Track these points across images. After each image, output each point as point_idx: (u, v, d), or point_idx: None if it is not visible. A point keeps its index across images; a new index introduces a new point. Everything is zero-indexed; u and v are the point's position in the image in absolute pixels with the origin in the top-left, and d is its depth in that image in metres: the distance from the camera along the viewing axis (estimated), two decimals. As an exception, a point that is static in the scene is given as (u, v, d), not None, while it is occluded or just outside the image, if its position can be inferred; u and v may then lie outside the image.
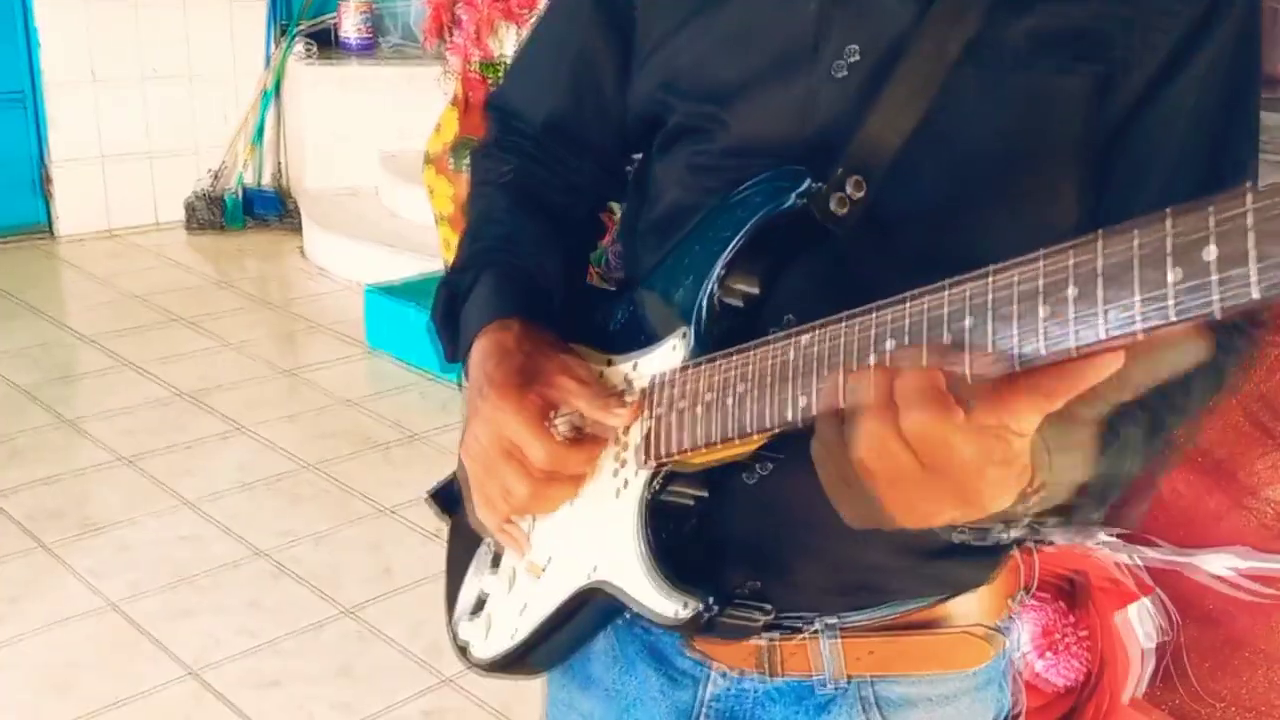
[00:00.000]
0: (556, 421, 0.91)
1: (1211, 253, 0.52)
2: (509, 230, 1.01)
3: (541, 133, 1.04)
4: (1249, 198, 0.51)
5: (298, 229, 5.06)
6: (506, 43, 3.68)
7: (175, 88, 5.03)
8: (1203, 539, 1.02)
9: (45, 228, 4.87)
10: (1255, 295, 0.50)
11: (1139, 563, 1.04)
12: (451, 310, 0.99)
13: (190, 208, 5.10)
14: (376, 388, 3.74)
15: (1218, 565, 0.99)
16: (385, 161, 5.11)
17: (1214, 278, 0.51)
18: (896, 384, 0.63)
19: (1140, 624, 1.02)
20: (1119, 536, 1.03)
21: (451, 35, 3.68)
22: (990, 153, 0.82)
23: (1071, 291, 0.57)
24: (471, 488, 0.90)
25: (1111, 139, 0.83)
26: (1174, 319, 0.53)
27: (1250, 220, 0.50)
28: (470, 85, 3.80)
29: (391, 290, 4.04)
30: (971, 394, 0.63)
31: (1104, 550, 1.02)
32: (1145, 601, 1.03)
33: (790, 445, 0.78)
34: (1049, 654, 1.08)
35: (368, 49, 5.35)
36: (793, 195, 0.82)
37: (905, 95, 0.80)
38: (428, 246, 4.42)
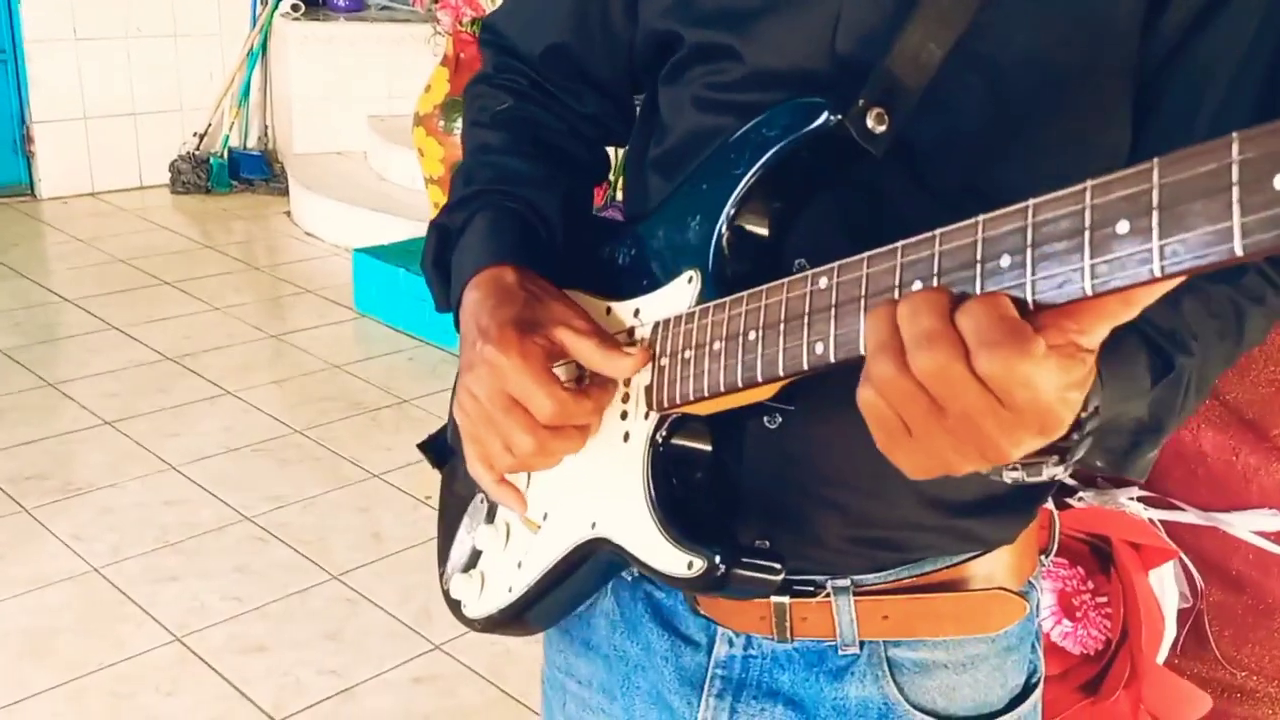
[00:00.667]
0: (557, 370, 0.86)
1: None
2: (503, 170, 0.95)
3: (540, 65, 0.98)
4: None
5: (284, 192, 4.99)
6: (498, 0, 3.61)
7: (159, 46, 4.94)
8: (1233, 501, 0.98)
9: (27, 188, 4.79)
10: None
11: (1159, 526, 1.00)
12: (443, 255, 0.94)
13: (175, 169, 5.02)
14: (365, 352, 3.69)
15: (1249, 526, 0.95)
16: (373, 124, 5.04)
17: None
18: (960, 317, 0.56)
19: (1173, 585, 0.97)
20: (1142, 499, 0.99)
21: (443, -8, 3.61)
22: (1038, 72, 0.76)
23: (1121, 227, 0.52)
24: (465, 443, 0.85)
25: (1166, 61, 0.78)
26: (1240, 254, 0.48)
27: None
28: (462, 44, 3.73)
29: (380, 253, 3.98)
30: (1038, 318, 0.57)
31: (1131, 509, 0.98)
32: (1176, 562, 0.99)
33: (806, 393, 0.73)
34: (1067, 621, 1.04)
35: (357, 8, 5.26)
36: (824, 114, 0.75)
37: (950, 4, 0.75)
38: (417, 210, 4.36)
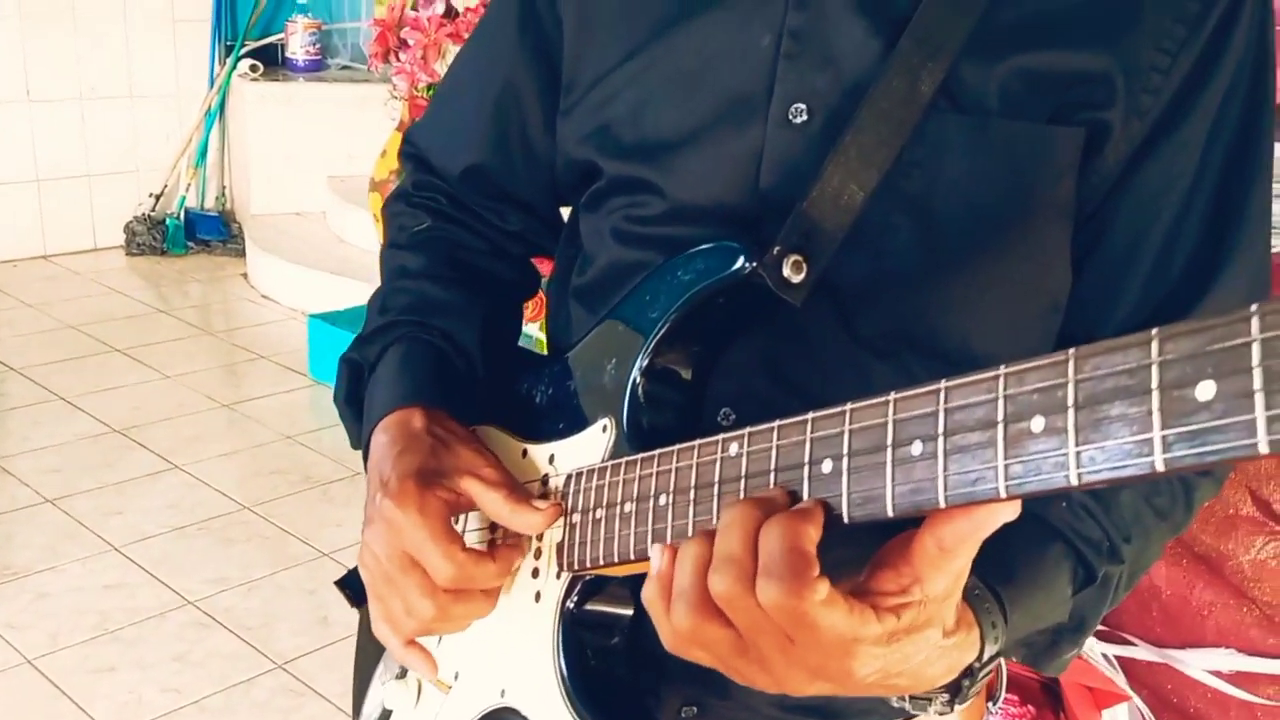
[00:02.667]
0: (467, 527, 0.81)
1: (1208, 390, 0.43)
2: (420, 297, 0.91)
3: (459, 185, 0.95)
4: (1254, 323, 0.42)
5: (242, 253, 4.92)
6: (454, 66, 3.58)
7: (115, 107, 4.88)
8: (1188, 637, 0.94)
9: (-23, 252, 4.71)
10: (1263, 450, 0.41)
11: (1114, 662, 0.96)
12: (355, 391, 0.89)
13: (130, 231, 4.95)
14: (319, 421, 3.61)
15: (1203, 665, 0.91)
16: (333, 184, 4.99)
17: (1211, 424, 0.43)
18: (761, 537, 0.55)
19: (1127, 725, 0.94)
20: (1097, 634, 0.95)
21: (398, 58, 3.58)
22: (970, 213, 0.73)
23: (1036, 424, 0.48)
24: (370, 600, 0.80)
25: (1106, 198, 0.75)
26: (1161, 469, 0.44)
27: (1255, 354, 0.41)
28: (417, 109, 3.69)
29: (336, 319, 3.92)
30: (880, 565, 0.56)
31: (1083, 648, 0.94)
32: (1135, 701, 0.95)
33: None
34: (1016, 764, 0.99)
35: (315, 69, 5.23)
36: (739, 260, 0.72)
37: (873, 143, 0.71)
38: (375, 273, 4.28)
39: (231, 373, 4.02)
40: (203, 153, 5.10)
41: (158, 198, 5.02)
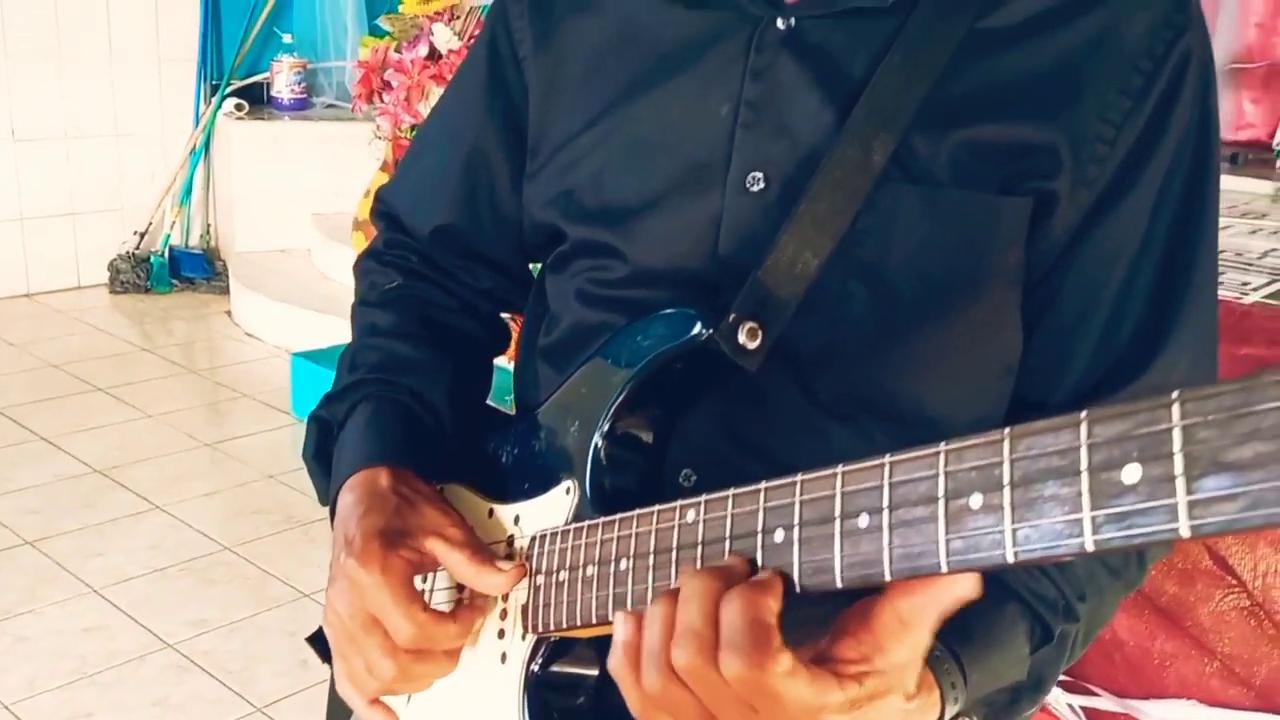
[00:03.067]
0: (434, 586, 0.82)
1: (1134, 473, 0.44)
2: (390, 355, 0.92)
3: (429, 244, 0.96)
4: (1175, 409, 0.43)
5: (226, 290, 4.93)
6: (438, 107, 3.61)
7: (100, 146, 4.90)
8: (1150, 688, 0.95)
9: (-40, 291, 4.71)
10: (1185, 534, 0.42)
11: (1079, 712, 0.97)
12: (324, 447, 0.90)
13: (114, 269, 4.95)
14: (301, 460, 3.59)
15: (1165, 716, 0.92)
16: (317, 221, 5.00)
17: (1137, 506, 0.44)
18: (722, 608, 0.56)
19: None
20: (1059, 684, 0.96)
21: (382, 99, 3.61)
22: (922, 280, 0.74)
23: (974, 500, 0.50)
24: (334, 659, 0.81)
25: (1055, 264, 0.76)
26: (1091, 549, 0.46)
27: (1177, 440, 0.43)
28: (400, 150, 3.72)
29: (318, 357, 3.92)
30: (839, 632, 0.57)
31: (1047, 699, 0.95)
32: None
33: None
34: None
35: (301, 108, 5.25)
36: (696, 326, 0.73)
37: (826, 211, 0.72)
38: (359, 310, 4.30)
39: (214, 411, 4.01)
40: (187, 191, 5.12)
41: (142, 236, 5.02)
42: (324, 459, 0.90)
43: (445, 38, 3.42)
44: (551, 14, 0.85)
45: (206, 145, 5.13)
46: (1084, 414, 0.46)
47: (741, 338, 0.71)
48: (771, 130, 0.75)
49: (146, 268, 4.96)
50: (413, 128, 3.61)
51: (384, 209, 1.00)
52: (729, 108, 0.76)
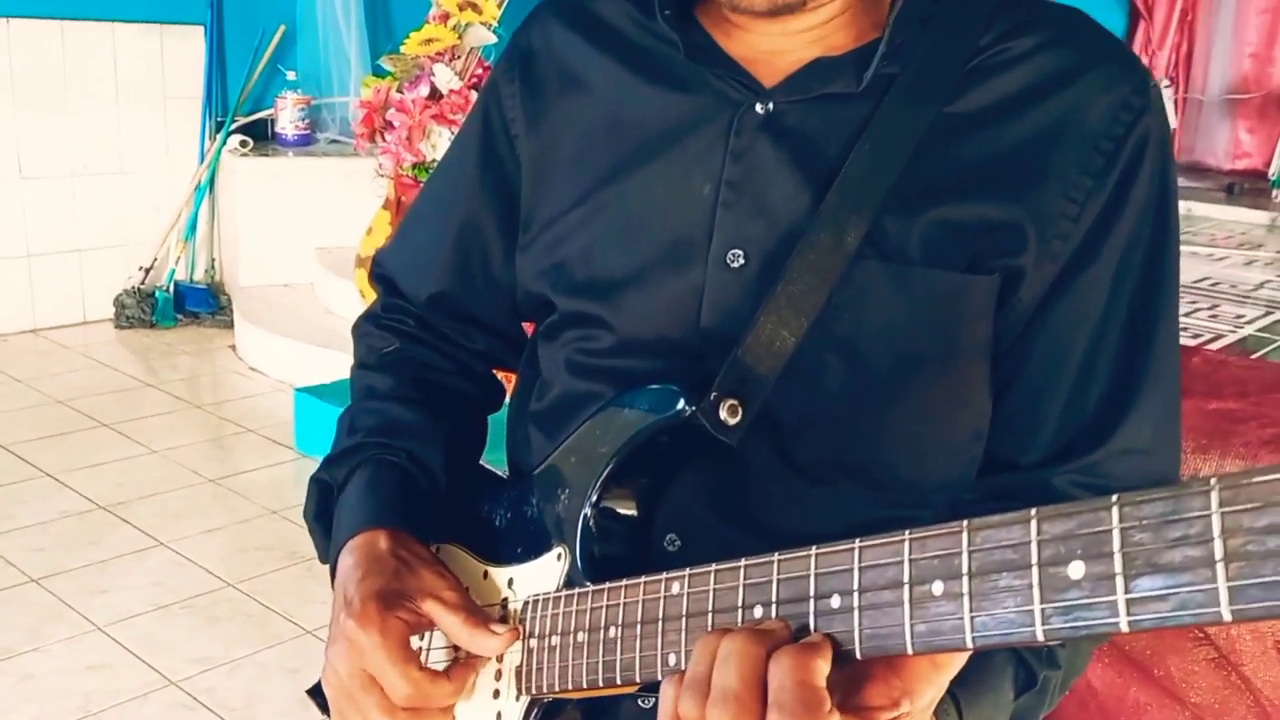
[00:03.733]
0: (431, 645, 0.85)
1: (1079, 570, 0.48)
2: (387, 418, 0.96)
3: (426, 309, 1.00)
4: (1115, 512, 0.47)
5: (230, 325, 4.97)
6: (439, 146, 3.66)
7: (105, 183, 4.95)
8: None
9: (-34, 327, 4.75)
10: (1124, 629, 0.46)
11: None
12: (325, 508, 0.94)
13: (120, 304, 4.99)
14: (303, 495, 3.61)
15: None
16: (321, 256, 5.05)
17: (1081, 600, 0.47)
18: (771, 667, 0.57)
19: None
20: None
21: (384, 138, 3.66)
22: (895, 352, 0.78)
23: (936, 587, 0.53)
24: (333, 715, 0.84)
25: (1022, 334, 0.80)
26: (1041, 639, 0.49)
27: (1116, 540, 0.46)
28: (403, 188, 3.77)
29: (321, 392, 3.95)
30: (864, 669, 0.59)
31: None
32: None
33: None
34: None
35: (305, 143, 5.31)
36: (680, 403, 0.77)
37: (802, 291, 0.76)
38: (362, 345, 4.34)
39: (218, 446, 4.05)
40: (192, 226, 5.17)
41: (147, 271, 5.07)
42: (325, 520, 0.93)
43: (446, 78, 3.47)
44: (543, 95, 0.89)
45: (211, 181, 5.18)
46: (1034, 511, 0.49)
47: (723, 414, 0.75)
48: (751, 209, 0.79)
49: (151, 303, 5.00)
50: (415, 166, 3.66)
51: (381, 272, 1.04)
52: (711, 187, 0.80)
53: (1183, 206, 5.06)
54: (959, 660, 0.60)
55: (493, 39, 3.63)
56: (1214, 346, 3.25)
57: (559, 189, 0.87)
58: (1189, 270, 4.23)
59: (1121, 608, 0.45)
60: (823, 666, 0.56)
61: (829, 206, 0.75)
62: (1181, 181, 6.33)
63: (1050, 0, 0.81)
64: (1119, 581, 0.45)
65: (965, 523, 0.52)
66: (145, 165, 5.06)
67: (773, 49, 0.81)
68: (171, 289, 5.09)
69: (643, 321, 0.82)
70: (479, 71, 3.56)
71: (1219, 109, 6.51)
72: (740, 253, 0.79)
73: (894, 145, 0.75)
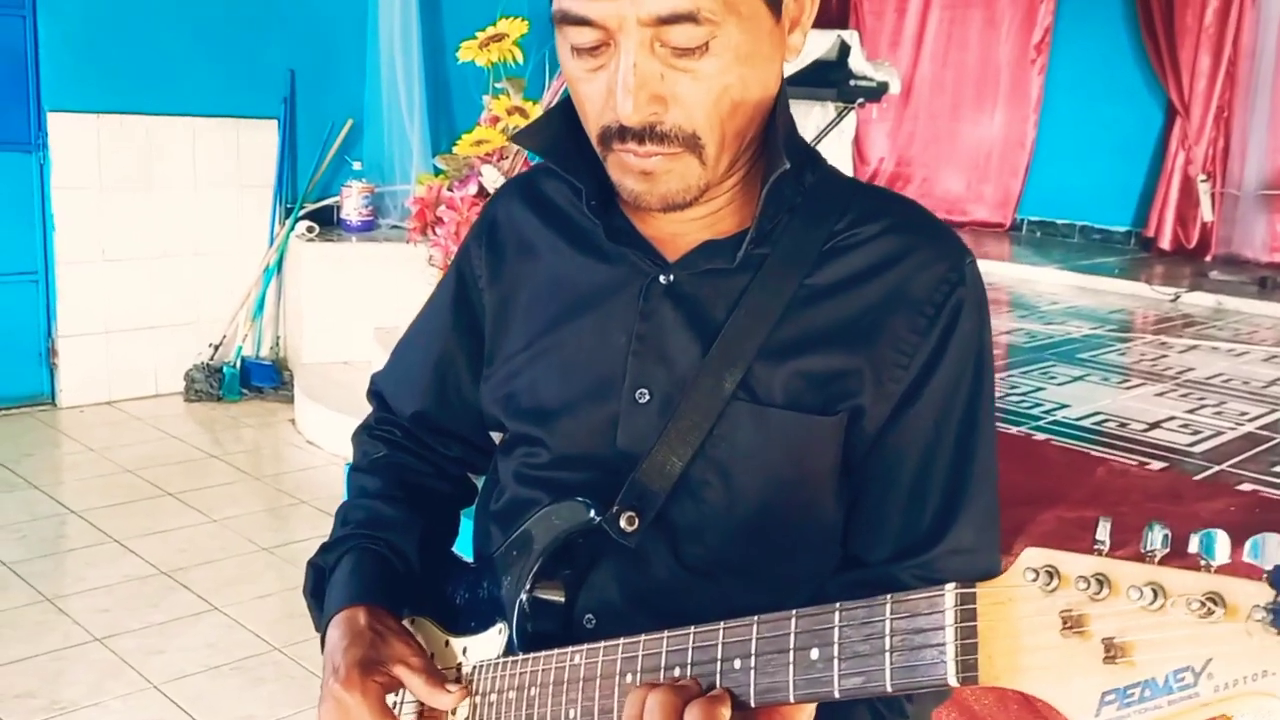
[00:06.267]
0: (404, 700, 1.04)
1: (814, 654, 0.66)
2: (373, 514, 1.16)
3: (410, 423, 1.21)
4: (837, 614, 0.65)
5: (292, 400, 5.24)
6: (486, 238, 3.90)
7: (181, 265, 5.30)
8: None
9: (48, 398, 5.08)
10: (836, 695, 0.64)
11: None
12: (319, 587, 1.14)
13: (190, 378, 5.30)
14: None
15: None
16: (379, 335, 5.33)
17: (817, 675, 0.66)
18: (687, 713, 0.76)
19: None
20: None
21: (435, 232, 3.92)
22: (761, 474, 0.98)
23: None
24: (328, 764, 1.03)
25: (866, 455, 0.99)
26: (795, 697, 0.67)
27: (835, 633, 0.65)
28: (451, 277, 4.02)
29: (372, 468, 4.18)
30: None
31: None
32: None
33: None
34: None
35: (368, 229, 5.63)
36: (590, 513, 0.96)
37: (689, 424, 0.96)
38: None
39: (274, 516, 4.29)
40: (260, 305, 5.49)
41: (216, 347, 5.39)
42: (318, 597, 1.13)
43: (493, 178, 3.73)
44: (503, 257, 1.11)
45: (279, 263, 5.51)
46: (794, 611, 0.68)
47: (622, 523, 0.95)
48: (654, 358, 0.99)
49: (219, 377, 5.31)
50: (463, 258, 3.91)
51: (375, 390, 1.26)
52: (625, 339, 1.00)
53: (1213, 300, 5.14)
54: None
55: (538, 140, 3.88)
56: (1210, 444, 3.34)
57: (513, 334, 1.08)
58: (1207, 366, 4.32)
59: (835, 680, 0.64)
60: (725, 713, 0.75)
61: (712, 358, 0.95)
62: (1214, 276, 6.41)
63: (891, 192, 1.02)
64: (835, 664, 0.64)
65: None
66: (219, 248, 5.40)
67: (674, 231, 1.01)
68: (239, 364, 5.39)
69: (572, 442, 1.02)
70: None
71: (1255, 203, 6.60)
72: (646, 391, 0.99)
73: (764, 310, 0.95)
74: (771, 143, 0.96)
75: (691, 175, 0.93)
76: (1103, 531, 0.68)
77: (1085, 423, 3.67)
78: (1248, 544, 0.63)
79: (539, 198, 1.11)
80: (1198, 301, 5.82)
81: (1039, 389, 4.15)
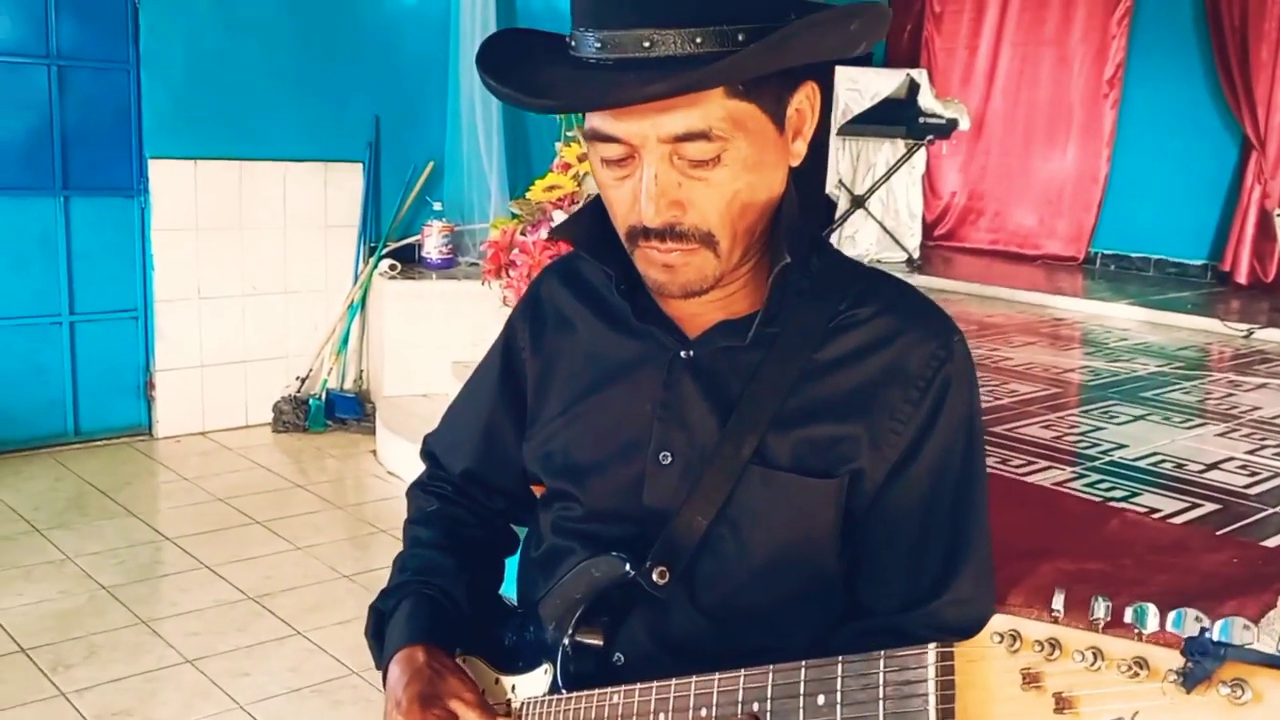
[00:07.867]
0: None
1: (821, 699, 0.77)
2: (427, 562, 1.30)
3: (460, 480, 1.35)
4: (839, 666, 0.76)
5: (374, 431, 5.45)
6: (558, 280, 4.06)
7: (271, 302, 5.55)
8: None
9: (146, 429, 5.35)
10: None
11: None
12: (380, 629, 1.28)
13: (278, 410, 5.54)
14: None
15: None
16: (456, 369, 5.52)
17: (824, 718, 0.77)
18: None
19: None
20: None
21: (508, 274, 4.09)
22: (769, 530, 1.10)
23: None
24: (392, 789, 1.16)
25: (864, 515, 1.10)
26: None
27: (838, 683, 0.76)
28: (524, 317, 4.18)
29: (447, 500, 4.34)
30: None
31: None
32: None
33: None
34: None
35: (448, 266, 5.83)
36: (625, 567, 1.09)
37: (710, 488, 1.08)
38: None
39: (355, 545, 4.47)
40: (345, 340, 5.72)
41: (303, 380, 5.62)
42: (379, 638, 1.27)
43: (565, 223, 3.89)
44: (544, 331, 1.25)
45: (363, 300, 5.74)
46: (840, 659, 0.80)
47: (655, 576, 1.07)
48: (677, 425, 1.11)
49: (305, 409, 5.53)
50: (535, 299, 4.07)
51: (428, 450, 1.40)
52: (651, 407, 1.13)
53: (1280, 337, 5.04)
54: None
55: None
56: (1266, 486, 3.34)
57: (552, 400, 1.22)
58: (1276, 405, 4.29)
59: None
60: None
61: (731, 428, 1.07)
62: (1284, 314, 6.31)
63: (887, 275, 1.13)
64: (839, 709, 0.75)
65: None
66: (306, 286, 5.65)
67: (694, 311, 1.14)
68: (324, 397, 5.62)
69: (603, 499, 1.15)
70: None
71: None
72: (668, 454, 1.11)
73: (776, 383, 1.07)
74: (775, 239, 1.08)
75: (708, 267, 1.06)
76: (1058, 601, 0.79)
77: (1141, 463, 3.63)
78: (1171, 615, 0.74)
79: (577, 278, 1.24)
80: (1271, 337, 5.70)
81: (1098, 429, 4.13)
